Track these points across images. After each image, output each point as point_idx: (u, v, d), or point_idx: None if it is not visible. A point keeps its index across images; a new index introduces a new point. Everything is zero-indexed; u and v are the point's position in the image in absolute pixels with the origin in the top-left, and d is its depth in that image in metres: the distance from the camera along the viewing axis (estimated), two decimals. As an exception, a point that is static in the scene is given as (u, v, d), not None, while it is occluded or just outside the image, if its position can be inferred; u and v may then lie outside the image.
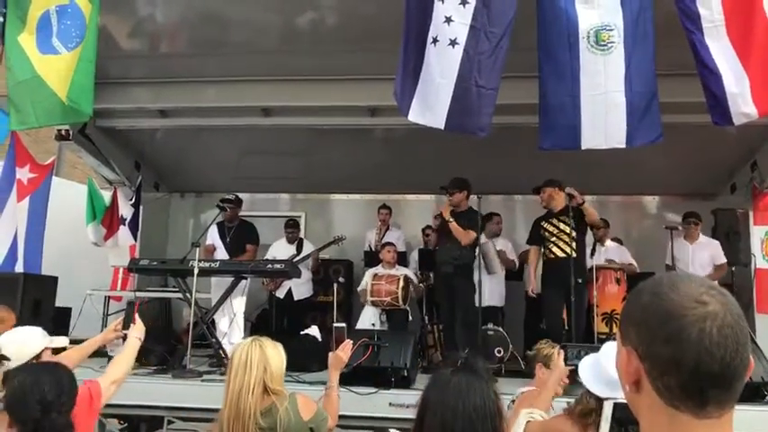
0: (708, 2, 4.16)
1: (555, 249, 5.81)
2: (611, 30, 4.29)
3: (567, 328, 5.59)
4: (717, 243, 6.52)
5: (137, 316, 3.20)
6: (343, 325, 3.80)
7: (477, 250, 5.86)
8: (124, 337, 3.20)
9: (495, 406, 1.82)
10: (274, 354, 2.42)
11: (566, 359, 2.91)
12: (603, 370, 2.29)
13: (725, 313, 0.88)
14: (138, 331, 3.06)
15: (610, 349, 2.37)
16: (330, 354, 3.12)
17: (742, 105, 4.09)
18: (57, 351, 2.95)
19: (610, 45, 4.29)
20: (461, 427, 1.77)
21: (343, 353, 3.03)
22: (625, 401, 1.01)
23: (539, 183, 6.00)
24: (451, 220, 5.92)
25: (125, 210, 7.14)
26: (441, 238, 6.18)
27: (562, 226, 5.77)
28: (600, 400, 2.26)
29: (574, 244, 5.66)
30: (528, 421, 2.49)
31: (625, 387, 0.96)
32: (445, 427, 1.78)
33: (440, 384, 1.85)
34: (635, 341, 0.93)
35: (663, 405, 0.90)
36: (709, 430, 0.88)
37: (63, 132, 6.07)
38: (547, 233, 5.89)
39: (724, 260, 6.38)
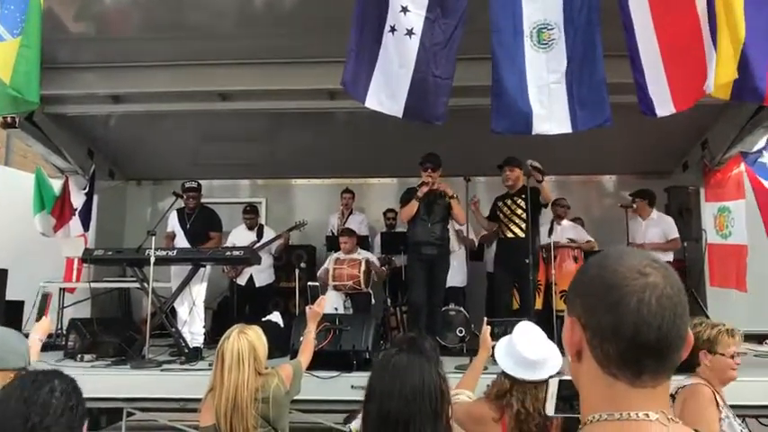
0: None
1: (506, 231, 5.92)
2: (552, 29, 4.36)
3: (517, 306, 5.85)
4: (669, 219, 6.69)
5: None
6: (317, 284, 4.26)
7: None
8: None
9: (437, 388, 1.73)
10: (259, 342, 2.59)
11: (492, 334, 2.89)
12: (516, 350, 2.31)
13: (665, 285, 0.91)
14: (39, 331, 2.74)
15: (523, 330, 2.40)
16: (306, 308, 3.44)
17: (662, 100, 4.26)
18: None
19: (551, 42, 4.37)
20: (396, 410, 1.66)
21: (318, 307, 3.34)
22: (570, 378, 1.03)
23: (499, 163, 6.04)
24: (455, 196, 5.75)
25: (77, 199, 6.93)
26: (417, 217, 5.66)
27: (515, 208, 5.86)
28: (514, 381, 2.29)
29: (524, 225, 5.75)
30: (454, 402, 2.50)
31: (568, 358, 0.99)
32: (381, 409, 1.68)
33: (380, 365, 1.77)
34: (579, 311, 0.95)
35: (601, 374, 0.93)
36: (644, 399, 0.91)
37: (9, 120, 5.81)
38: (501, 213, 5.98)
39: (676, 235, 6.54)
